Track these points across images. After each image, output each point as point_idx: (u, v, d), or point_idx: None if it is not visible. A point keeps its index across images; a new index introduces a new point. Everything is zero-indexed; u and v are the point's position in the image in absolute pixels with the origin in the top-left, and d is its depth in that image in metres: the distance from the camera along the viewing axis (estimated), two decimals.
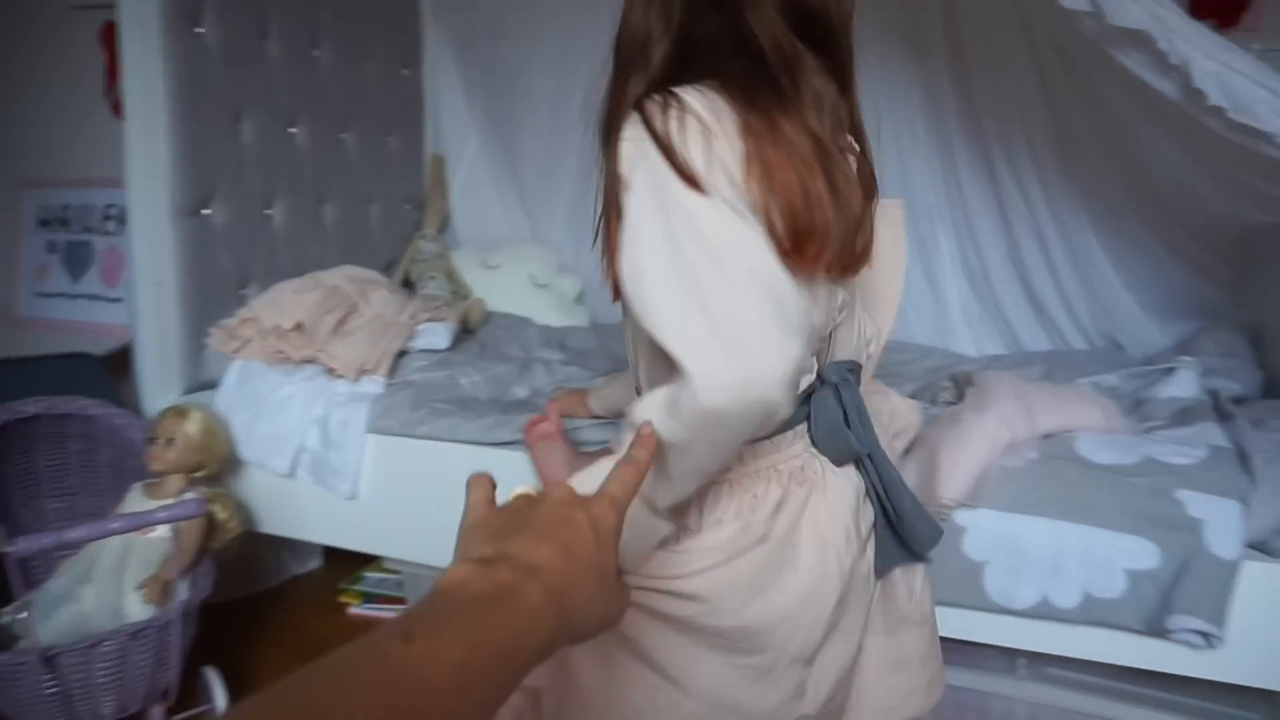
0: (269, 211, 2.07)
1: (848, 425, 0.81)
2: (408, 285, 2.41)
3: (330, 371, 1.74)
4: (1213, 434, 1.41)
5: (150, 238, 1.80)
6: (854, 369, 0.85)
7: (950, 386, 1.64)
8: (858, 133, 0.82)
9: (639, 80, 0.76)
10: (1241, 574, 1.22)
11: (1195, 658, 1.26)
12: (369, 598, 2.12)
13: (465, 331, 2.08)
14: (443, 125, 2.64)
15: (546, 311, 2.40)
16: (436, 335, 1.87)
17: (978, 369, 1.70)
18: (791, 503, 0.79)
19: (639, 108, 0.70)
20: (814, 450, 0.82)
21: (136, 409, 1.83)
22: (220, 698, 1.57)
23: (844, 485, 0.82)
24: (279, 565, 2.23)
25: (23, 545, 1.18)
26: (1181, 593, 1.23)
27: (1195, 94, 1.25)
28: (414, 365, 1.81)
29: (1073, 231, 2.03)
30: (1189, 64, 1.24)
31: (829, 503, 0.80)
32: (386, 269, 2.36)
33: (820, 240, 0.71)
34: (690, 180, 0.66)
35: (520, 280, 2.45)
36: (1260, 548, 1.25)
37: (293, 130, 2.12)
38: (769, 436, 0.79)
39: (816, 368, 0.82)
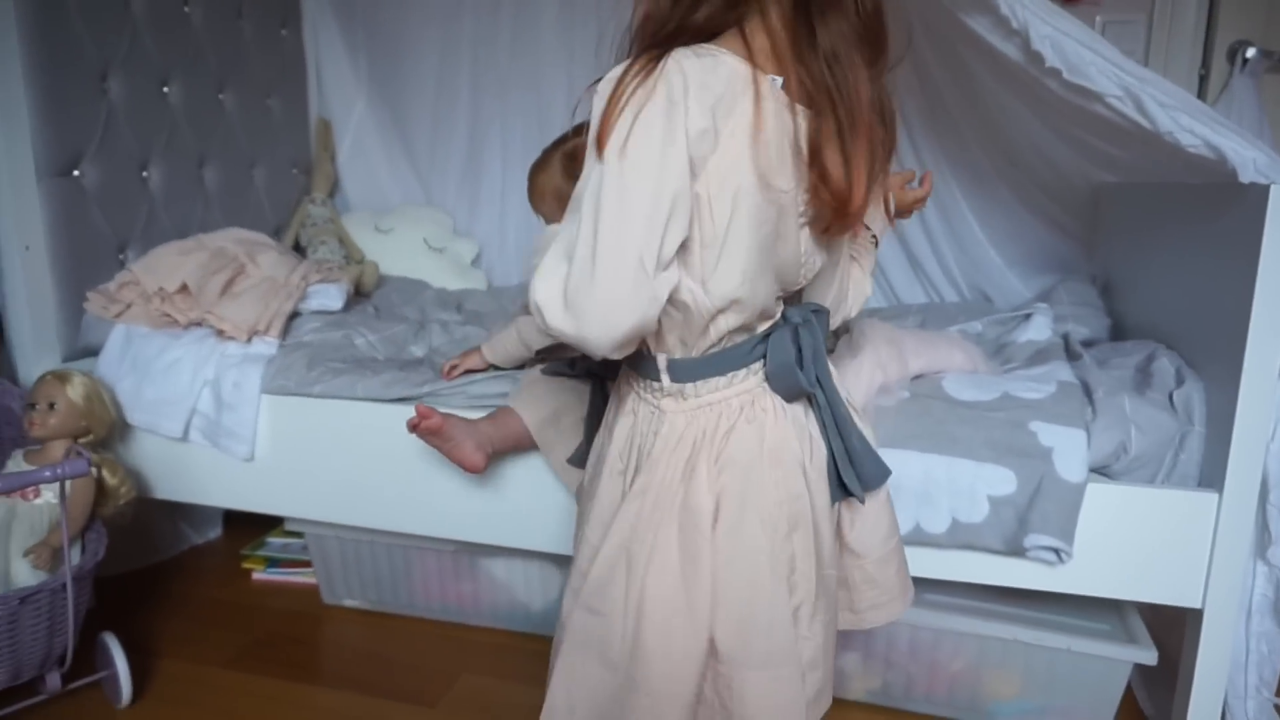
0: (145, 174, 2.00)
1: (800, 365, 0.89)
2: (298, 250, 2.37)
3: (220, 334, 1.71)
4: (1062, 371, 1.55)
5: (16, 200, 1.72)
6: (819, 311, 0.93)
7: (829, 336, 1.74)
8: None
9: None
10: (1086, 495, 1.35)
11: (1050, 573, 1.39)
12: (273, 562, 2.10)
13: (359, 295, 2.07)
14: (327, 88, 2.58)
15: (442, 275, 2.40)
16: (329, 296, 1.86)
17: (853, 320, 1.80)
18: (739, 433, 0.87)
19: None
20: (764, 386, 0.89)
21: (13, 378, 1.76)
22: (121, 662, 1.55)
23: (789, 421, 0.90)
24: (176, 535, 2.19)
25: None
26: (1035, 514, 1.35)
27: (1035, 56, 1.35)
28: (308, 326, 1.79)
29: (942, 193, 2.16)
30: (1028, 28, 1.34)
31: (776, 434, 0.88)
32: (275, 233, 2.31)
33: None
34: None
35: (414, 244, 2.43)
36: (1102, 471, 1.39)
37: (165, 89, 2.05)
38: (723, 373, 0.87)
39: (780, 311, 0.90)
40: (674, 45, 0.77)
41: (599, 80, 0.78)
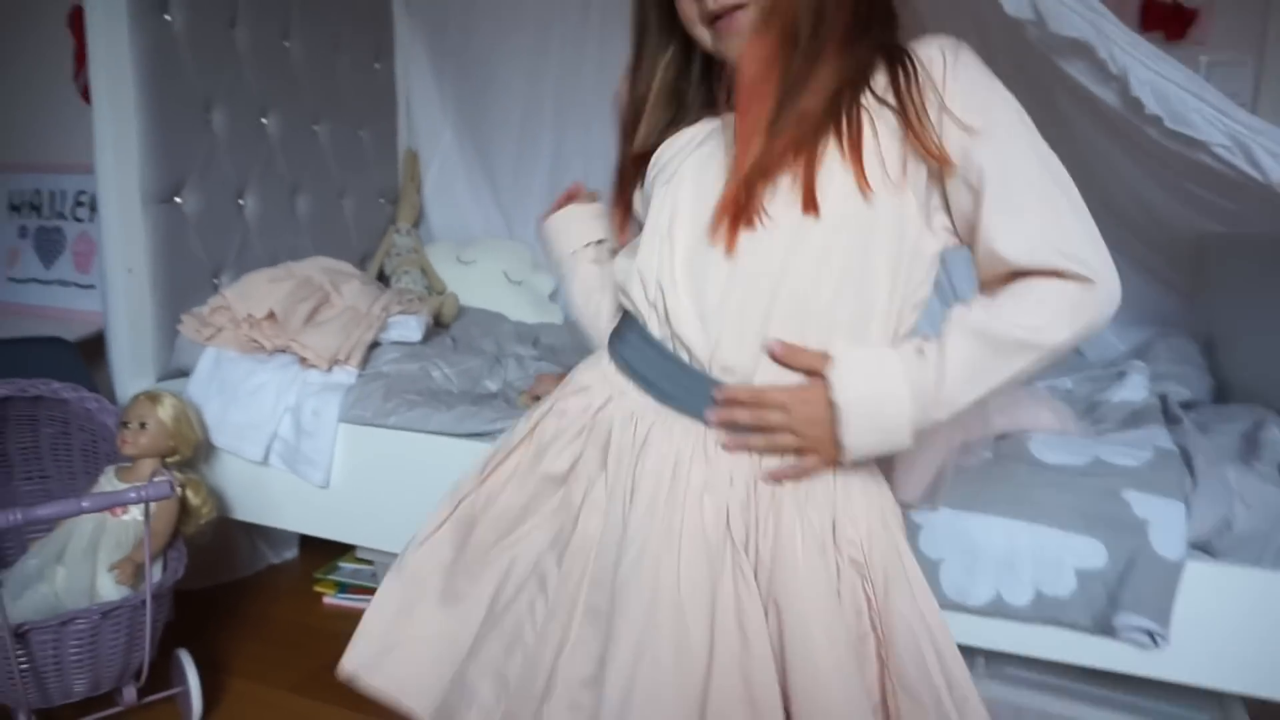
0: (241, 201, 2.07)
1: None
2: (383, 279, 2.43)
3: (303, 361, 1.75)
4: (1160, 437, 1.46)
5: (122, 225, 1.80)
6: None
7: None
8: None
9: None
10: (1185, 574, 1.26)
11: (1143, 657, 1.30)
12: (344, 587, 2.13)
13: (438, 326, 2.10)
14: (415, 119, 2.65)
15: (520, 308, 2.42)
16: (408, 328, 1.89)
17: None
18: None
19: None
20: None
21: (111, 395, 1.84)
22: (193, 680, 1.58)
23: None
24: (255, 554, 2.24)
25: None
26: (1128, 591, 1.27)
27: (1134, 103, 1.29)
28: (386, 357, 1.82)
29: None
30: (1127, 73, 1.28)
31: None
32: (361, 262, 2.37)
33: None
34: None
35: (494, 276, 2.46)
36: (1203, 548, 1.30)
37: (264, 121, 2.12)
38: None
39: None
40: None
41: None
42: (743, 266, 0.81)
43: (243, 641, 1.93)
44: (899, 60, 0.80)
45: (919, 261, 0.82)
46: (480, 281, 2.44)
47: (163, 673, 1.62)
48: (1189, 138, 1.27)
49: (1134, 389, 1.65)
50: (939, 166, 0.79)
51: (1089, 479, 1.34)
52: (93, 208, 2.36)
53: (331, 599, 2.13)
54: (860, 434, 0.79)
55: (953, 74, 0.79)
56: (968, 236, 0.81)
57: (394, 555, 1.79)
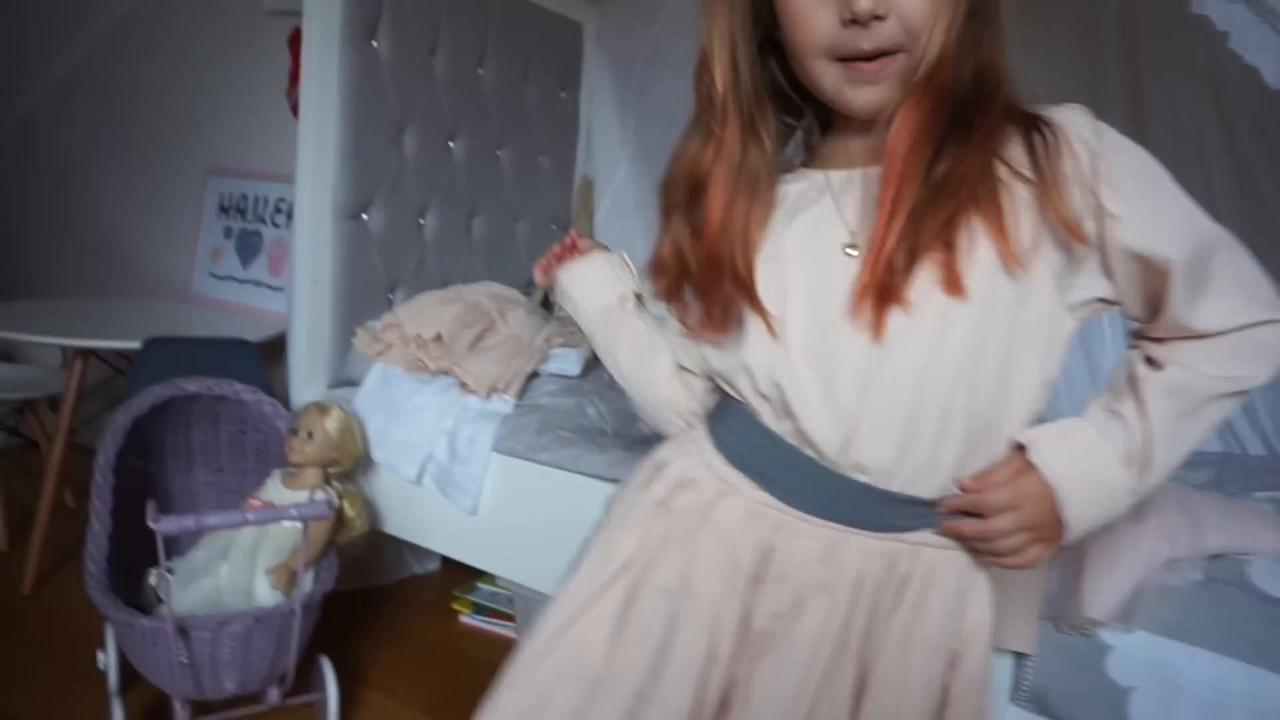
0: (422, 220, 2.13)
1: None
2: (547, 305, 2.44)
3: (463, 386, 1.77)
4: None
5: (313, 236, 1.88)
6: None
7: None
8: None
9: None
10: None
11: None
12: (480, 609, 2.15)
13: (594, 357, 2.08)
14: (594, 149, 2.66)
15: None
16: (569, 361, 1.88)
17: None
18: None
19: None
20: None
21: (285, 397, 1.92)
22: (332, 688, 1.62)
23: None
24: (399, 562, 2.30)
25: (166, 525, 1.25)
26: None
27: None
28: (544, 389, 1.82)
29: None
30: None
31: None
32: (528, 286, 2.39)
33: None
34: None
35: (658, 310, 2.43)
36: None
37: (451, 144, 2.18)
38: None
39: None
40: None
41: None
42: (888, 353, 0.73)
43: (381, 651, 1.97)
44: (1035, 128, 0.71)
45: (1056, 340, 0.76)
46: None
47: (305, 675, 1.66)
48: None
49: None
50: (1076, 241, 0.72)
51: None
52: (290, 215, 2.51)
53: (467, 618, 2.15)
54: (1083, 507, 0.76)
55: (1102, 146, 0.72)
56: (1141, 310, 0.77)
57: (533, 591, 1.80)
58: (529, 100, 2.38)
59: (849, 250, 0.76)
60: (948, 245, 0.70)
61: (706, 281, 0.83)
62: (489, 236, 2.31)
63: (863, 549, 0.78)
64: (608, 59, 2.57)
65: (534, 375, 1.84)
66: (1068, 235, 0.71)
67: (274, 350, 2.16)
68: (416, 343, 1.81)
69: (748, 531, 0.80)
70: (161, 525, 1.25)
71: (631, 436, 1.77)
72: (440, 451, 1.72)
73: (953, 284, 0.70)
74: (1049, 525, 0.76)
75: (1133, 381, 0.76)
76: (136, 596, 1.60)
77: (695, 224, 0.82)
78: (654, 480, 0.89)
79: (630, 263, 1.03)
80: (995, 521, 0.75)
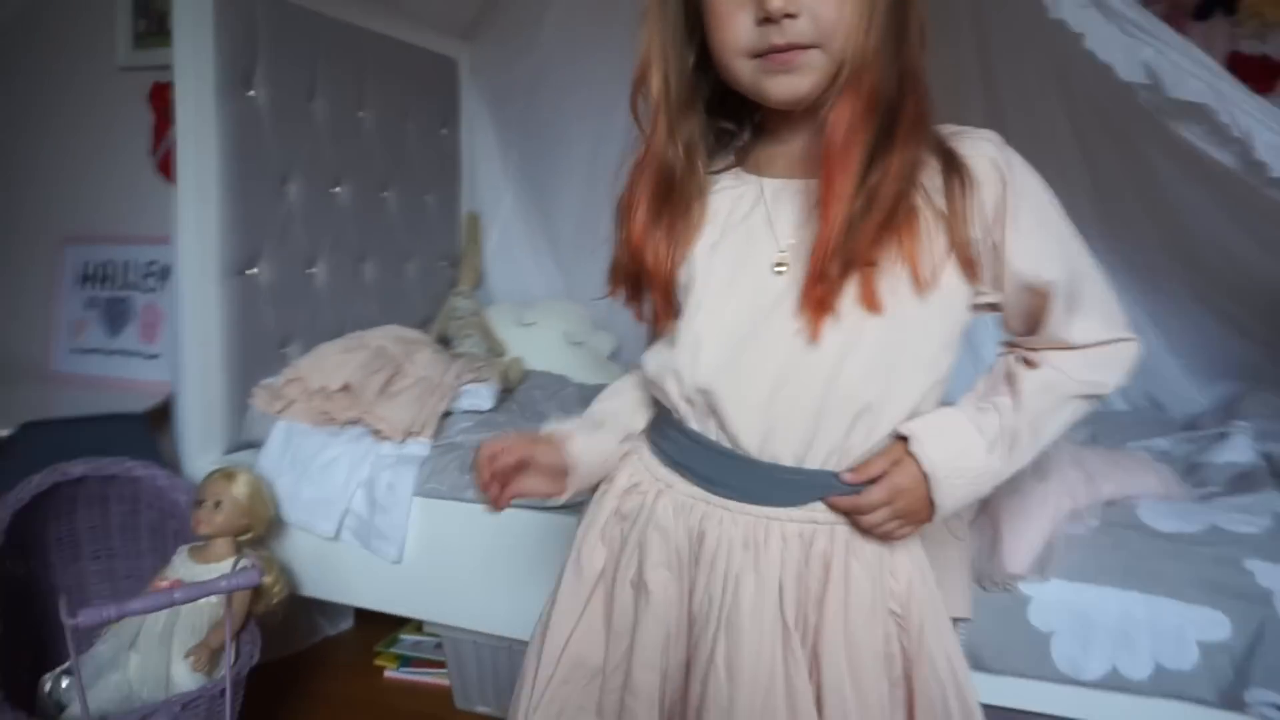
0: (312, 270, 2.08)
1: None
2: (443, 342, 2.42)
3: (376, 433, 1.73)
4: (1275, 501, 1.40)
5: (198, 297, 1.81)
6: None
7: None
8: None
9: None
10: None
11: None
12: (406, 660, 2.08)
13: (504, 391, 2.08)
14: (478, 183, 2.67)
15: (580, 369, 2.40)
16: (480, 396, 1.87)
17: None
18: None
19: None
20: None
21: (176, 467, 1.83)
22: None
23: None
24: (312, 627, 2.20)
25: (86, 617, 1.16)
26: (1257, 665, 1.20)
27: (1257, 166, 1.26)
28: (458, 426, 1.80)
29: (1116, 292, 2.04)
30: (1251, 136, 1.25)
31: None
32: (423, 325, 2.37)
33: None
34: None
35: (555, 338, 2.45)
36: None
37: (336, 190, 2.14)
38: None
39: None
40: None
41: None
42: (808, 358, 0.80)
43: (309, 718, 1.88)
44: (956, 169, 0.79)
45: (952, 340, 0.84)
46: (541, 343, 2.43)
47: None
48: None
49: (1239, 450, 1.59)
50: (970, 275, 0.82)
51: (1207, 548, 1.29)
52: (162, 278, 2.40)
53: (393, 673, 2.07)
54: (952, 491, 0.83)
55: (1011, 179, 0.80)
56: (1020, 323, 0.87)
57: (467, 631, 1.77)
58: (410, 140, 2.37)
59: (778, 267, 0.82)
60: (872, 263, 0.77)
61: (642, 285, 0.89)
62: (381, 280, 2.28)
63: (781, 533, 0.84)
64: (484, 93, 2.59)
65: (447, 414, 1.82)
66: (966, 265, 0.81)
67: (158, 420, 2.05)
68: (322, 395, 1.76)
69: (680, 522, 0.87)
70: (81, 619, 1.16)
71: None
72: (358, 503, 1.68)
73: (870, 301, 0.78)
74: (920, 511, 0.84)
75: (1010, 379, 0.85)
76: (30, 710, 1.48)
77: (640, 226, 0.87)
78: (606, 494, 0.95)
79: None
80: (871, 517, 0.83)
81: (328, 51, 2.06)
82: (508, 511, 1.58)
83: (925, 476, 0.81)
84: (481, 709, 1.90)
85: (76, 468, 1.61)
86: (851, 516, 0.84)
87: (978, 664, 1.33)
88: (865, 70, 0.75)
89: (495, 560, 1.61)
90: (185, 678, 1.46)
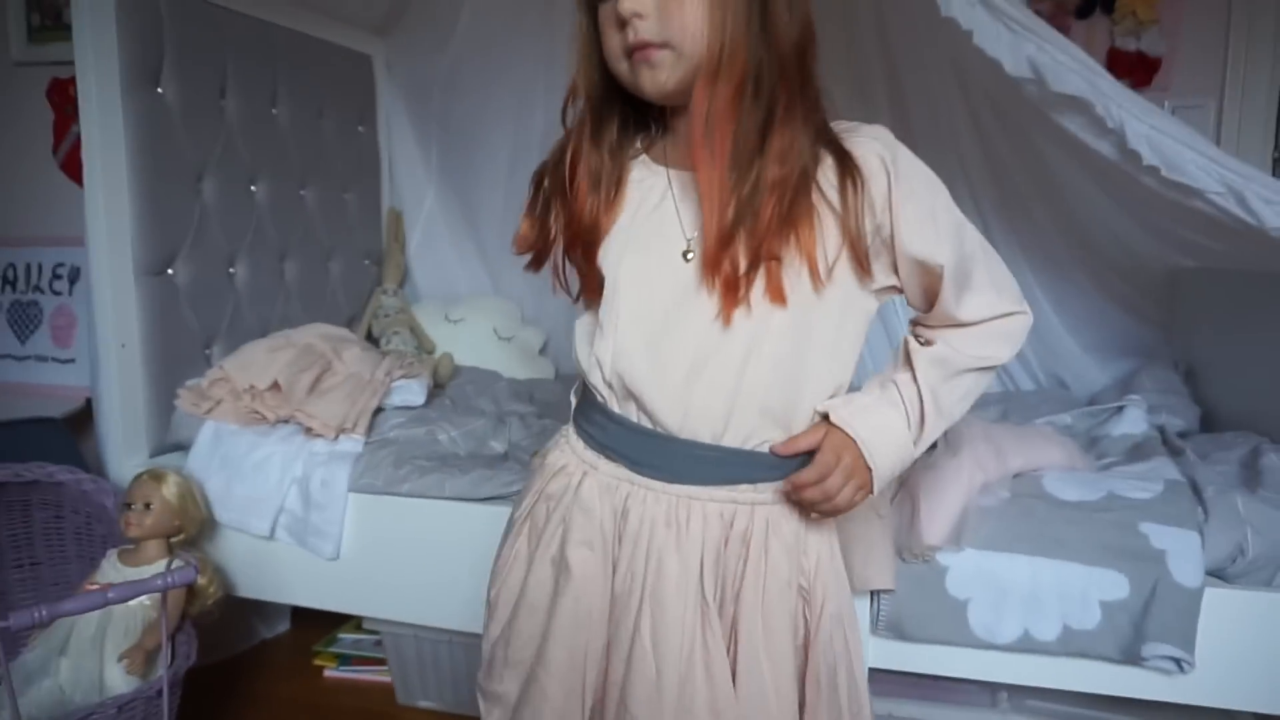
0: (232, 270, 2.05)
1: None
2: (370, 340, 2.40)
3: (308, 431, 1.72)
4: (1166, 469, 1.51)
5: (115, 298, 1.76)
6: None
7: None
8: None
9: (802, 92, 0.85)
10: (1205, 601, 1.30)
11: (1170, 683, 1.33)
12: (345, 659, 2.07)
13: (436, 386, 2.08)
14: (398, 180, 2.65)
15: (511, 364, 2.42)
16: (412, 392, 1.87)
17: None
18: None
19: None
20: None
21: (100, 472, 1.78)
22: None
23: None
24: (248, 630, 2.17)
25: (16, 620, 1.14)
26: (1153, 621, 1.30)
27: (1132, 155, 1.37)
28: (391, 422, 1.80)
29: (1016, 278, 2.15)
30: (1124, 127, 1.35)
31: None
32: (349, 324, 2.35)
33: None
34: None
35: (484, 333, 2.46)
36: (1218, 575, 1.34)
37: (253, 188, 2.11)
38: None
39: None
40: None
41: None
42: (720, 343, 0.86)
43: None
44: (848, 167, 0.85)
45: (859, 323, 0.91)
46: (470, 339, 2.44)
47: None
48: (1185, 186, 1.34)
49: (1133, 423, 1.71)
50: (862, 269, 0.88)
51: (1106, 513, 1.38)
52: (72, 280, 2.32)
53: (333, 672, 2.07)
54: (884, 457, 0.90)
55: (898, 189, 0.85)
56: (920, 301, 0.93)
57: (405, 625, 1.78)
58: (327, 137, 2.34)
59: (687, 255, 0.88)
60: (776, 257, 0.84)
61: (576, 261, 0.95)
62: (302, 278, 2.25)
63: (703, 512, 0.89)
64: (401, 90, 2.57)
65: (379, 410, 1.82)
66: (860, 258, 0.87)
67: (77, 425, 2.00)
68: (251, 394, 1.74)
69: (605, 502, 0.92)
70: (12, 621, 1.14)
71: (487, 455, 1.80)
72: (292, 501, 1.67)
73: (776, 294, 0.84)
74: (863, 470, 0.89)
75: (908, 356, 0.92)
76: None
77: (567, 211, 0.92)
78: (537, 475, 1.00)
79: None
80: (830, 481, 0.88)
81: (238, 47, 2.02)
82: (443, 504, 1.61)
83: (855, 442, 0.88)
84: (424, 704, 1.92)
85: None
86: (806, 493, 0.88)
87: (900, 633, 1.41)
88: (728, 63, 0.81)
89: (432, 554, 1.62)
90: (119, 681, 1.44)
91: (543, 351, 2.54)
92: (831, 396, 0.91)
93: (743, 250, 0.83)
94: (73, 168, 2.30)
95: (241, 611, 2.16)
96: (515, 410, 2.07)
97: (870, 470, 0.89)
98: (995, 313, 0.90)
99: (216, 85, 1.98)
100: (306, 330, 1.94)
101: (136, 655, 1.46)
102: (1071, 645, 1.34)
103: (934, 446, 1.56)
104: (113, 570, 1.55)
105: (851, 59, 2.10)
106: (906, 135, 2.33)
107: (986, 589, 1.37)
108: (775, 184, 0.82)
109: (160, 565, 1.51)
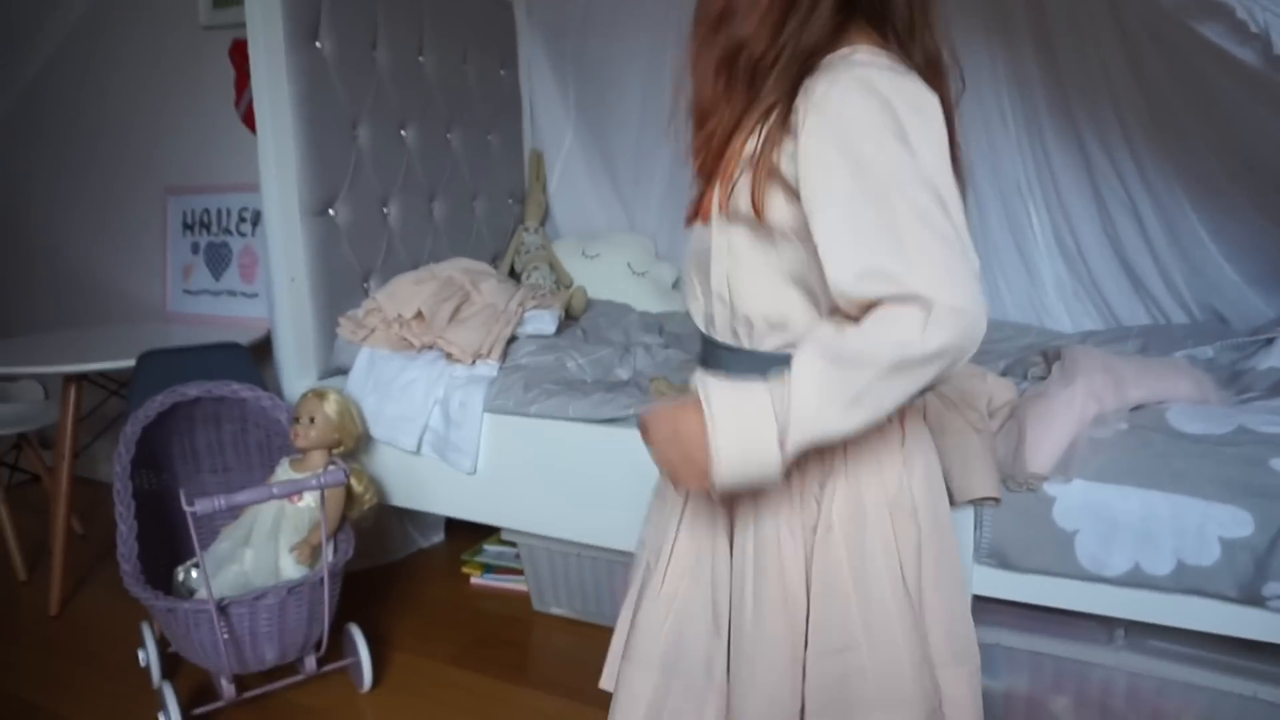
0: (385, 210, 2.23)
1: None
2: (513, 276, 2.56)
3: (449, 356, 1.88)
4: None
5: (284, 237, 1.97)
6: None
7: (1040, 362, 1.68)
8: None
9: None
10: None
11: None
12: (489, 568, 2.28)
13: (569, 318, 2.20)
14: (539, 121, 2.76)
15: (644, 298, 2.50)
16: (543, 321, 2.00)
17: (1071, 344, 1.72)
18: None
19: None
20: None
21: (277, 393, 2.02)
22: (364, 651, 1.74)
23: None
24: (406, 539, 2.42)
25: (201, 505, 1.36)
26: (1278, 559, 1.25)
27: (1277, 60, 1.26)
28: (524, 350, 1.94)
29: (1168, 204, 2.01)
30: (1269, 31, 1.25)
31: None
32: (493, 261, 2.51)
33: None
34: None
35: (619, 268, 2.56)
36: None
37: (403, 133, 2.27)
38: None
39: None
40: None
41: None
42: (700, 242, 0.93)
43: (402, 618, 2.09)
44: (791, 105, 0.82)
45: (798, 267, 0.86)
46: (605, 274, 2.54)
47: (336, 645, 1.79)
48: None
49: None
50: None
51: (1232, 448, 1.32)
52: (255, 223, 2.59)
53: (478, 579, 2.28)
54: (731, 454, 0.80)
55: (810, 132, 0.79)
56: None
57: (537, 537, 1.94)
58: (470, 82, 2.48)
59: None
60: (720, 178, 0.87)
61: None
62: (449, 217, 2.41)
63: None
64: (540, 34, 2.67)
65: (513, 339, 1.96)
66: (789, 195, 0.83)
67: (259, 353, 2.25)
68: (399, 323, 1.92)
69: None
70: (197, 506, 1.36)
71: (609, 382, 1.90)
72: (435, 420, 1.84)
73: (723, 207, 0.87)
74: (700, 453, 0.82)
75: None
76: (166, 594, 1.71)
77: None
78: None
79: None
80: (653, 450, 0.90)
81: (387, 1, 2.17)
82: (569, 424, 1.73)
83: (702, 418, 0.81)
84: (555, 610, 2.08)
85: (192, 389, 1.81)
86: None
87: (1004, 562, 1.41)
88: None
89: (560, 471, 1.76)
90: (291, 569, 1.67)
91: (675, 285, 2.62)
92: (778, 336, 0.89)
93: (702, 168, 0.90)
94: (251, 120, 2.54)
95: (401, 522, 2.41)
96: (643, 341, 2.16)
97: (709, 459, 0.80)
98: (890, 291, 0.74)
99: (368, 38, 2.14)
100: (449, 264, 2.10)
101: (304, 548, 1.68)
102: (1185, 581, 1.31)
103: (1048, 376, 1.53)
104: (285, 474, 1.78)
105: None
106: (1048, 59, 2.20)
107: (1096, 521, 1.35)
108: (720, 127, 0.87)
109: (312, 474, 1.71)
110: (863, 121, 0.77)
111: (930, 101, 0.79)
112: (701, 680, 0.97)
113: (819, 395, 0.76)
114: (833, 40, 0.84)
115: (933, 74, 0.85)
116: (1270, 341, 1.66)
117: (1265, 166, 1.87)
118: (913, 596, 0.93)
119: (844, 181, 0.77)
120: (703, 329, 0.98)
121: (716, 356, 0.95)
